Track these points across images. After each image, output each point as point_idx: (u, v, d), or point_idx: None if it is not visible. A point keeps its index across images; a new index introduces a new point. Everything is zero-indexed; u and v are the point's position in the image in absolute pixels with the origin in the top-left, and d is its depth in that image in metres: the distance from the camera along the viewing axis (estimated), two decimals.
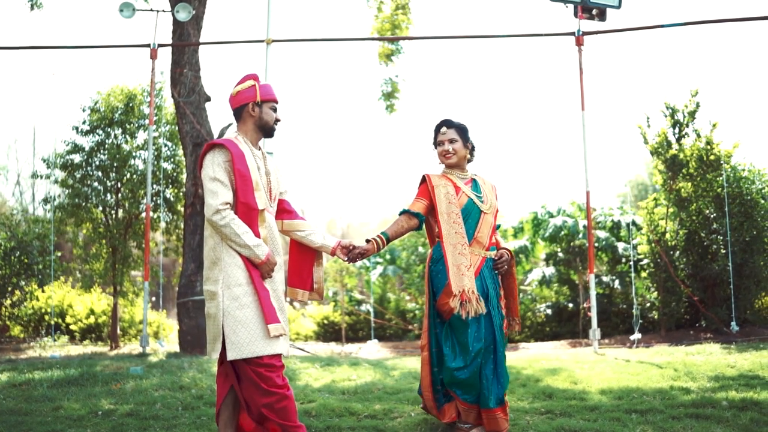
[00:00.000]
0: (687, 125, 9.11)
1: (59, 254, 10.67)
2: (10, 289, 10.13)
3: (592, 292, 7.95)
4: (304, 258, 3.65)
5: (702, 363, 6.18)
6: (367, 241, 3.75)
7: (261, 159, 3.45)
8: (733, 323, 8.22)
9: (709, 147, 8.91)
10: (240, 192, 3.25)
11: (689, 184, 9.10)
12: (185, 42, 8.94)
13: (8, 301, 10.15)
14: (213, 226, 3.24)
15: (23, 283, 10.28)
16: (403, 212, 3.86)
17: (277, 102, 3.52)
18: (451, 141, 3.90)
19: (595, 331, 7.85)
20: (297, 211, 3.66)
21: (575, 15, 8.41)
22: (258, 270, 3.27)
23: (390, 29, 12.16)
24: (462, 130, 3.94)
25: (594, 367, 6.36)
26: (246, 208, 3.26)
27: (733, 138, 9.15)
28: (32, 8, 10.85)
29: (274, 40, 8.57)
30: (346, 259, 3.67)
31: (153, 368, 6.82)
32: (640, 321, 8.95)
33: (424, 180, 3.92)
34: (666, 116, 9.20)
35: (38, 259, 10.10)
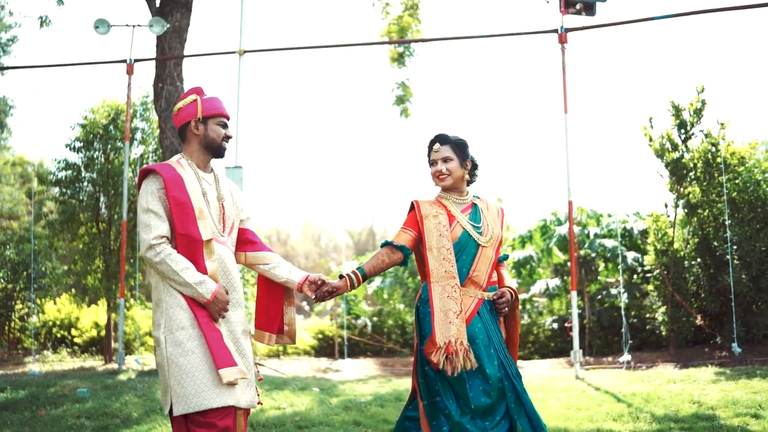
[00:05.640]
0: (693, 125, 8.31)
1: (65, 268, 10.88)
2: (20, 302, 10.38)
3: (574, 311, 7.35)
4: (271, 295, 3.19)
5: (668, 396, 5.56)
6: (341, 276, 3.22)
7: (211, 183, 3.04)
8: (735, 344, 7.42)
9: (715, 149, 8.10)
10: (178, 222, 2.85)
11: (698, 188, 8.31)
12: (161, 57, 8.87)
13: (17, 315, 10.41)
14: (148, 263, 2.89)
15: (34, 295, 10.53)
16: (386, 244, 3.27)
17: (225, 117, 3.08)
18: (446, 160, 3.27)
19: (576, 353, 7.25)
20: (261, 241, 3.21)
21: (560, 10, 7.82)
22: (206, 310, 2.85)
23: (397, 31, 11.78)
24: (459, 147, 3.30)
25: (549, 398, 5.82)
26: (187, 241, 2.86)
27: (744, 137, 8.32)
28: (41, 26, 11.13)
29: (246, 51, 8.40)
30: (313, 296, 3.15)
31: (104, 389, 6.74)
32: (630, 341, 8.23)
33: (413, 207, 3.31)
34: (671, 115, 8.43)
35: (45, 272, 10.33)
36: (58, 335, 10.83)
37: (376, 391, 6.52)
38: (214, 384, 2.78)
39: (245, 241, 3.16)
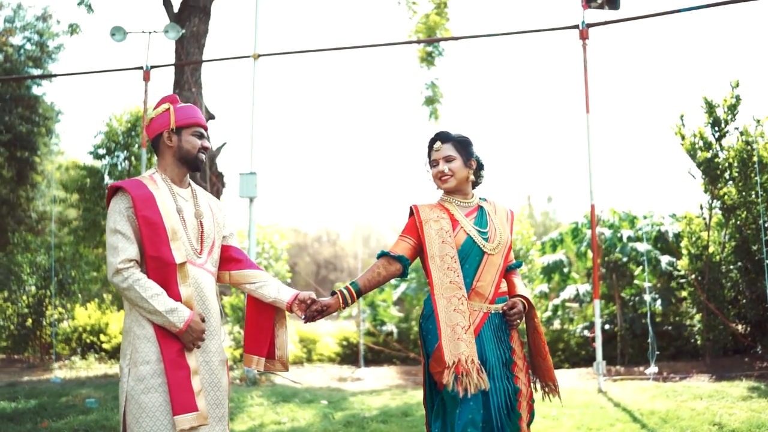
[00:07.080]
0: (728, 122, 7.82)
1: (94, 274, 10.99)
2: (51, 308, 10.54)
3: (597, 320, 6.99)
4: (261, 317, 2.96)
5: (689, 415, 5.17)
6: (333, 293, 2.96)
7: (188, 199, 2.84)
8: None
9: (751, 147, 7.59)
10: (148, 244, 2.64)
11: (734, 189, 7.81)
12: (175, 63, 8.84)
13: (47, 320, 10.57)
14: (117, 289, 2.70)
15: (65, 300, 10.69)
16: (382, 255, 2.98)
17: (202, 127, 2.87)
18: (447, 159, 2.99)
19: (599, 365, 6.88)
20: (247, 258, 2.99)
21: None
22: (178, 342, 2.65)
23: (424, 31, 11.51)
24: (462, 145, 3.01)
25: (562, 415, 5.49)
26: (158, 264, 2.65)
27: None
28: (71, 33, 11.30)
29: (260, 55, 8.28)
30: (303, 317, 2.91)
31: (114, 399, 6.69)
32: (657, 352, 7.79)
33: (412, 213, 3.02)
34: (704, 112, 7.95)
35: (75, 279, 10.47)
36: (88, 341, 10.94)
37: (385, 405, 6.31)
38: (174, 427, 2.57)
39: (229, 259, 2.94)
